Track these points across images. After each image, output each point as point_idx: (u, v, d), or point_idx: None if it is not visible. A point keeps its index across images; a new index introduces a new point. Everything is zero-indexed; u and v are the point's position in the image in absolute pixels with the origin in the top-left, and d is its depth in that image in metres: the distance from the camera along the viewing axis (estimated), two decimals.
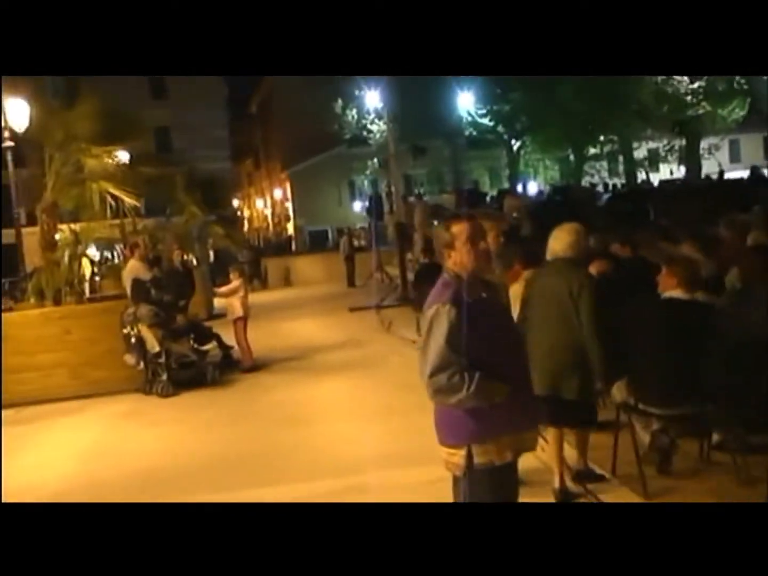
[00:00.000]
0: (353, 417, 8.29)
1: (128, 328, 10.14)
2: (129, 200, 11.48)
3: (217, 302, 15.90)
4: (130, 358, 10.14)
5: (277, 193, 55.01)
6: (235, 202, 49.80)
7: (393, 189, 36.04)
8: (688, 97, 32.86)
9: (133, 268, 10.68)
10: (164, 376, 10.09)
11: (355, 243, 25.15)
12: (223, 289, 11.30)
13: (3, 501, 5.13)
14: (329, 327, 15.10)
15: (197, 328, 11.24)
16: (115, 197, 11.45)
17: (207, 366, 10.57)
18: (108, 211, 11.78)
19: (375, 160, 44.83)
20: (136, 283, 10.50)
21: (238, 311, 11.15)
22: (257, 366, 11.34)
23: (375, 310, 16.41)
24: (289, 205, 52.14)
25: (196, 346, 10.71)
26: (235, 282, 11.20)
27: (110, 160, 11.23)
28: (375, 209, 22.06)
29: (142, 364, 10.14)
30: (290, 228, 51.75)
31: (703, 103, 33.11)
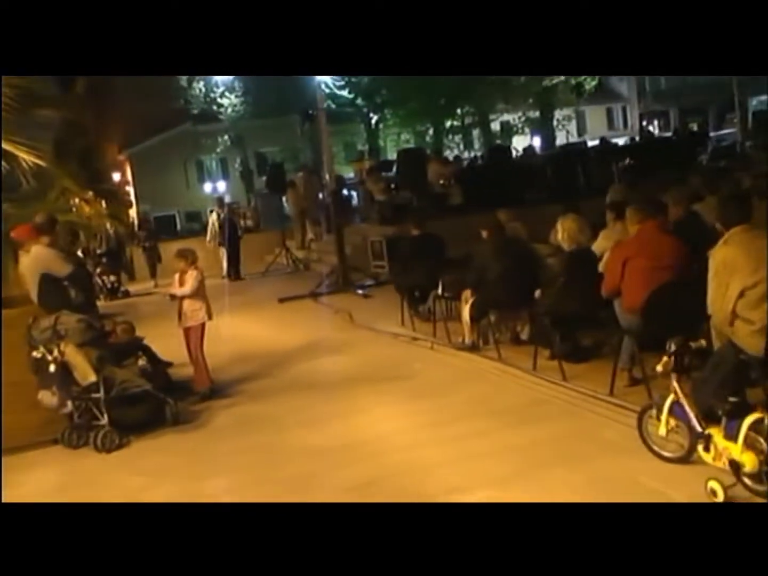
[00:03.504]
0: (488, 477, 5.19)
1: (42, 350, 6.53)
2: (27, 157, 7.51)
3: None
4: (48, 396, 6.50)
5: (115, 177, 49.81)
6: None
7: (252, 167, 33.06)
8: None
9: (41, 258, 6.84)
10: (104, 420, 6.59)
11: (242, 223, 21.45)
12: (186, 287, 7.59)
13: None
14: (275, 324, 11.76)
15: (137, 341, 7.71)
16: None
17: (162, 397, 7.07)
18: None
19: (226, 136, 42.29)
20: (49, 280, 6.82)
21: (202, 315, 7.67)
22: (215, 390, 8.01)
23: (311, 300, 13.44)
24: (130, 189, 47.32)
25: (146, 366, 7.20)
26: (193, 272, 7.65)
27: None
28: (275, 181, 18.76)
29: (69, 404, 6.59)
30: (132, 214, 47.05)
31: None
